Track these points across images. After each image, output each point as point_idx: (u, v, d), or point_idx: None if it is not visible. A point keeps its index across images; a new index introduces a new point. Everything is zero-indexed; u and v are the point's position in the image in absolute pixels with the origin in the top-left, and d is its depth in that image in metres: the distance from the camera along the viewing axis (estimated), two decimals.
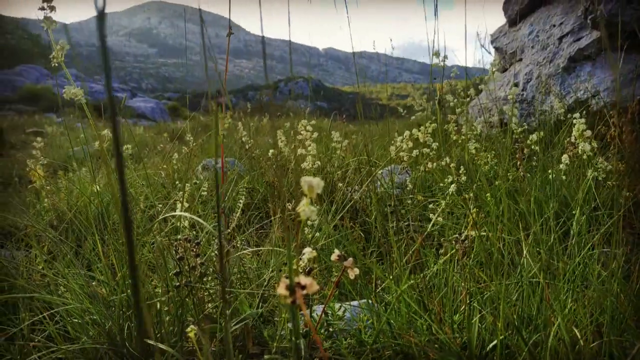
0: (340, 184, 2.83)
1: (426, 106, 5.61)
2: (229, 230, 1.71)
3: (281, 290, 0.76)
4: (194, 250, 1.33)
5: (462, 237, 1.30)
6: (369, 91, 38.62)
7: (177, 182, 3.40)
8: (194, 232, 1.77)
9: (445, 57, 3.04)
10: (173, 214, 1.37)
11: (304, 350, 1.01)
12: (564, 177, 2.24)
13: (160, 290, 1.41)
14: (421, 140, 2.38)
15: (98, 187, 1.97)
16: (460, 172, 2.55)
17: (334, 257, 1.07)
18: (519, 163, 2.29)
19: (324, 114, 12.92)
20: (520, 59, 6.22)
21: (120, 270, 1.41)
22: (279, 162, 3.48)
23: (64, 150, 7.10)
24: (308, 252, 0.95)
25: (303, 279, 0.75)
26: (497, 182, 2.29)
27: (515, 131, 3.42)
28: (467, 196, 1.99)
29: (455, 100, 3.90)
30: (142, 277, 1.42)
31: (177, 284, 1.31)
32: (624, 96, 4.42)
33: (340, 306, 1.44)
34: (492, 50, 7.37)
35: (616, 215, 1.49)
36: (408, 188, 2.81)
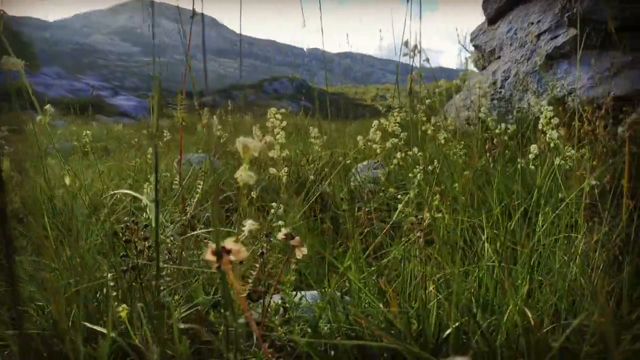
0: (312, 177, 2.79)
1: (405, 102, 5.60)
2: (187, 217, 1.66)
3: (208, 256, 0.71)
4: (142, 232, 1.28)
5: (418, 220, 1.27)
6: (354, 92, 38.66)
7: (149, 176, 3.34)
8: (148, 217, 1.72)
9: (416, 47, 3.00)
10: (117, 191, 1.32)
11: (242, 334, 0.97)
12: (532, 167, 2.23)
13: (109, 276, 1.36)
14: (389, 130, 2.34)
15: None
16: (431, 162, 2.53)
17: (280, 235, 1.02)
18: (488, 154, 2.27)
19: (307, 113, 12.88)
20: (499, 57, 6.24)
21: (65, 253, 1.36)
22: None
23: (37, 148, 6.97)
24: (249, 224, 0.90)
25: (230, 244, 0.70)
26: (465, 172, 2.27)
27: (489, 126, 3.41)
28: (433, 186, 1.97)
29: (426, 91, 3.88)
30: (91, 262, 1.37)
31: (124, 268, 1.25)
32: (600, 93, 4.45)
33: (296, 294, 1.41)
34: (472, 49, 7.39)
35: (580, 200, 1.48)
36: (382, 181, 2.79)
